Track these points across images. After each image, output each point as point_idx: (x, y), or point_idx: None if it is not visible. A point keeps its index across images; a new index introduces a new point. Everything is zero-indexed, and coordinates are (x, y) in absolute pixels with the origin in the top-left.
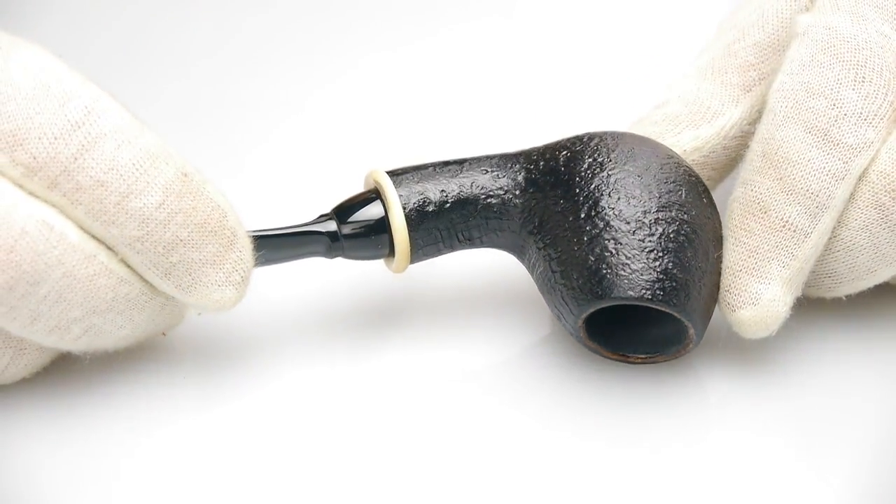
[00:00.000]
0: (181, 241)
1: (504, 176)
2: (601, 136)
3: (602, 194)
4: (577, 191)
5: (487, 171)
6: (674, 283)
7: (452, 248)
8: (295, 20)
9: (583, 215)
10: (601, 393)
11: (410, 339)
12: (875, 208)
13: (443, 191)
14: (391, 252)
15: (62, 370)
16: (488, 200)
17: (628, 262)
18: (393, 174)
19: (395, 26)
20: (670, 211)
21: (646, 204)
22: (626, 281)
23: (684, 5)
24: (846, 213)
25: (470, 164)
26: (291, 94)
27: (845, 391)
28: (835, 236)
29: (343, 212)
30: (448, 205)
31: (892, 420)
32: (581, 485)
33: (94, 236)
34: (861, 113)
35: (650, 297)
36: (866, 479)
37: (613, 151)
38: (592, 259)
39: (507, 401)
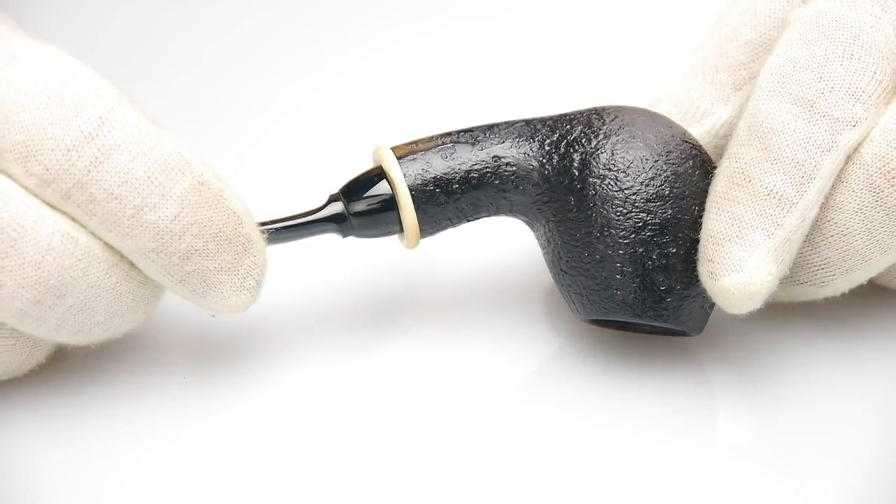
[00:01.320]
0: (196, 251)
1: (516, 165)
2: (617, 135)
3: (617, 214)
4: (591, 205)
5: (499, 158)
6: (679, 303)
7: (462, 224)
8: (299, 9)
9: (596, 233)
10: (611, 390)
11: (416, 337)
12: (869, 190)
13: (451, 179)
14: (401, 228)
15: (63, 369)
16: (502, 193)
17: (636, 286)
18: (399, 151)
19: (396, 12)
20: (682, 230)
21: (659, 224)
22: (633, 305)
23: (681, 3)
24: (839, 196)
25: (481, 144)
26: (298, 80)
27: (841, 398)
28: (828, 220)
29: (350, 192)
30: (457, 194)
31: (892, 418)
32: (580, 485)
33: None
34: (849, 88)
35: (656, 316)
36: (862, 481)
37: (630, 165)
38: (603, 277)
39: (512, 396)
